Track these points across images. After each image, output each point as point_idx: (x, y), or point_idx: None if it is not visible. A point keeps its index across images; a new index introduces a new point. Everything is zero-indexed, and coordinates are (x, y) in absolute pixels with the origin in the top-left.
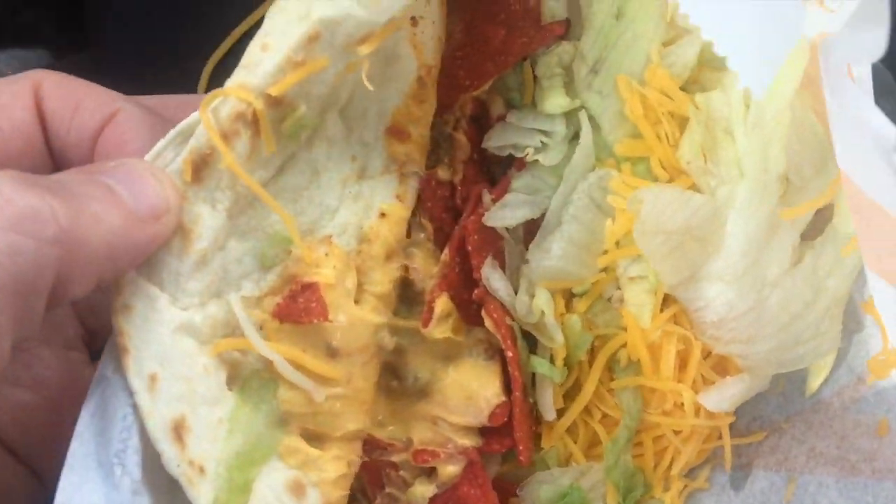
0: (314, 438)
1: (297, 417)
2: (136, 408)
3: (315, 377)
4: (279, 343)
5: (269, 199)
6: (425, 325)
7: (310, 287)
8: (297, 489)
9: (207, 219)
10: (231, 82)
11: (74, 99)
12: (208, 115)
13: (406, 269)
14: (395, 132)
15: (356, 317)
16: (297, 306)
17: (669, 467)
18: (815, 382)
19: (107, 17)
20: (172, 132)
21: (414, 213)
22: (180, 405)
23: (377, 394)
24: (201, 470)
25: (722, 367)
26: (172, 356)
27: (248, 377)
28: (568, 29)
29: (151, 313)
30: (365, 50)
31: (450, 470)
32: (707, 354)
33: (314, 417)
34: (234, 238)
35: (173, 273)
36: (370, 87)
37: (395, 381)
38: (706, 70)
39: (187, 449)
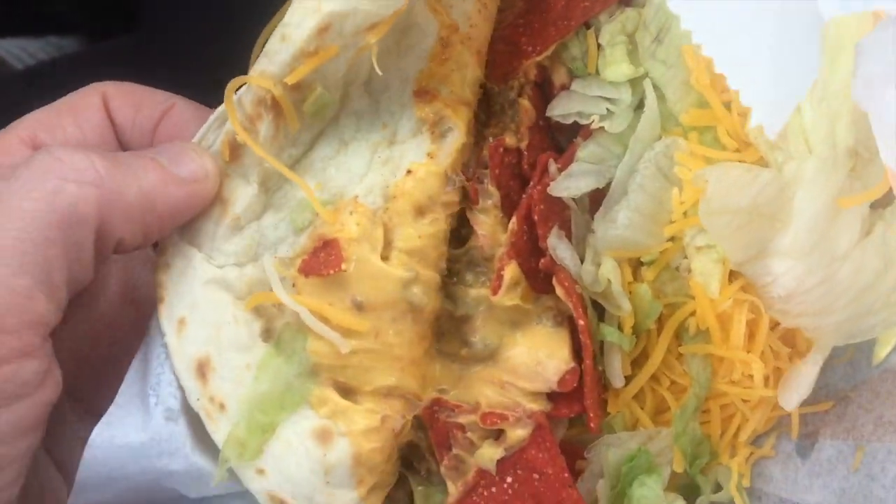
0: (346, 392)
1: (327, 369)
2: (168, 346)
3: (341, 330)
4: (308, 297)
5: (284, 168)
6: (494, 292)
7: (331, 242)
8: (324, 436)
9: (242, 191)
10: (254, 70)
11: (136, 99)
12: (234, 102)
13: (452, 221)
14: (422, 94)
15: (380, 271)
16: (318, 260)
17: (736, 435)
18: (882, 351)
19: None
20: (211, 117)
21: (481, 180)
22: (206, 347)
23: (443, 360)
24: (222, 406)
25: (790, 338)
26: (202, 303)
27: (281, 329)
28: None
29: (187, 269)
30: (373, 38)
31: (518, 433)
32: (774, 325)
33: (343, 370)
34: (271, 210)
35: (210, 236)
36: (380, 73)
37: (464, 347)
38: None
39: (209, 385)
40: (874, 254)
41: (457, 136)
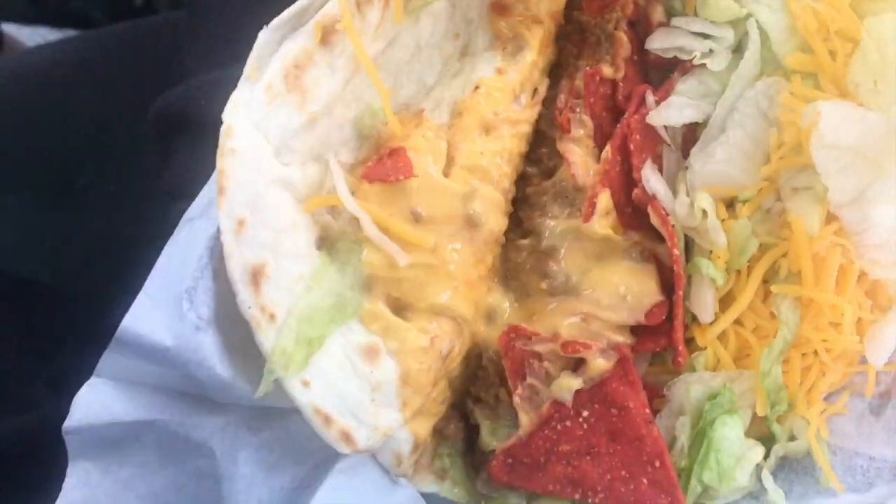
0: (399, 308)
1: (382, 282)
2: (213, 250)
3: (399, 241)
4: (370, 205)
5: (374, 73)
6: (586, 219)
7: (398, 150)
8: (372, 353)
9: (326, 83)
10: None
11: None
12: None
13: (523, 144)
14: (498, 7)
15: (440, 184)
16: (385, 167)
17: (812, 388)
18: None
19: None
20: None
21: (574, 109)
22: (264, 252)
23: (517, 294)
24: (272, 316)
25: (872, 292)
26: (264, 205)
27: (336, 238)
28: None
29: (254, 161)
30: None
31: (600, 363)
32: (859, 277)
33: (398, 284)
34: (341, 105)
35: (282, 128)
36: None
37: (544, 280)
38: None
39: (261, 294)
40: None
41: (528, 55)
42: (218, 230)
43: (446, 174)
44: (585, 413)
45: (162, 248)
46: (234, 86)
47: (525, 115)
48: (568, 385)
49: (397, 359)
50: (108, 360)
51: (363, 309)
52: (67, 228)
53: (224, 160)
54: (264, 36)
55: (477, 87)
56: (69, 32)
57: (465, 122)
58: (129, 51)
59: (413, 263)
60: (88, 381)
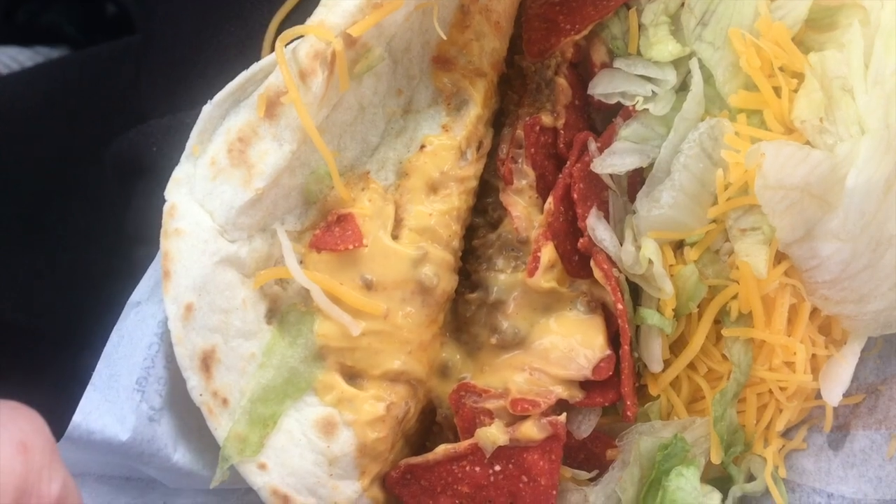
0: (353, 377)
1: (335, 352)
2: (162, 336)
3: (351, 310)
4: (318, 275)
5: (322, 144)
6: (531, 274)
7: (346, 217)
8: (328, 426)
9: (272, 156)
10: (312, 21)
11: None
12: (286, 53)
13: (470, 199)
14: (441, 61)
15: (390, 249)
16: (334, 235)
17: (769, 426)
18: None
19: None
20: (253, 67)
21: (515, 160)
22: (213, 336)
23: (467, 348)
24: (224, 401)
25: (825, 328)
26: (213, 287)
27: (286, 311)
28: None
29: (199, 242)
30: None
31: (532, 431)
32: (811, 314)
33: (352, 353)
34: (287, 174)
35: (228, 205)
36: (443, 36)
37: (493, 335)
38: (811, 32)
39: (213, 379)
40: None
41: (473, 110)
42: (166, 316)
43: (395, 236)
44: (497, 467)
45: (124, 291)
46: (186, 133)
47: (471, 170)
48: (494, 438)
49: (354, 430)
50: None
51: (317, 381)
52: (35, 265)
53: (168, 242)
54: (208, 110)
55: (423, 146)
56: (40, 49)
57: (413, 182)
58: (93, 80)
59: (366, 331)
60: None
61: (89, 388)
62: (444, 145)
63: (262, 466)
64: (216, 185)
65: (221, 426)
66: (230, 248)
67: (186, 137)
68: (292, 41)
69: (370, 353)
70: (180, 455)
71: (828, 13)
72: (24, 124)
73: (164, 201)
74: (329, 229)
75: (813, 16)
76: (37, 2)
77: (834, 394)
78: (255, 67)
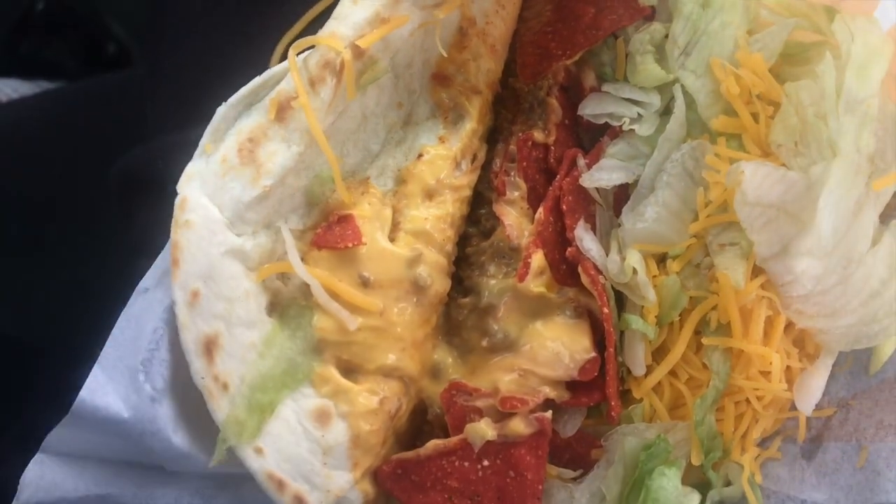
0: (349, 371)
1: (332, 346)
2: (168, 322)
3: (348, 306)
4: (319, 271)
5: (328, 149)
6: (521, 279)
7: (346, 218)
8: (323, 416)
9: (280, 156)
10: (323, 32)
11: None
12: (297, 62)
13: (464, 207)
14: (440, 78)
15: (387, 250)
16: (334, 234)
17: (745, 434)
18: (879, 361)
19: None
20: (267, 73)
21: (508, 172)
22: (217, 323)
23: (459, 351)
24: (224, 386)
25: (799, 341)
26: (219, 276)
27: (287, 304)
28: (654, 13)
29: (207, 234)
30: (441, 14)
31: (520, 427)
32: (786, 327)
33: (348, 347)
34: (292, 175)
35: (236, 200)
36: (444, 53)
37: (484, 338)
38: (786, 65)
39: (214, 364)
40: (881, 262)
41: (468, 124)
42: (173, 302)
43: (392, 239)
44: (486, 462)
45: (123, 306)
46: (192, 149)
47: (466, 180)
48: (482, 433)
49: (348, 421)
50: (57, 434)
51: (314, 373)
52: (35, 281)
53: (178, 232)
54: (222, 111)
55: (420, 155)
56: (41, 83)
57: (410, 188)
58: (96, 107)
59: (362, 327)
60: (35, 458)
61: (96, 367)
62: (441, 155)
63: (259, 451)
64: (226, 181)
65: (221, 409)
66: (236, 241)
67: (192, 153)
68: (303, 51)
69: (365, 348)
70: (180, 438)
71: (802, 49)
72: (28, 146)
73: (170, 213)
74: (330, 228)
75: (788, 50)
76: (39, 38)
77: (807, 404)
78: (267, 74)
